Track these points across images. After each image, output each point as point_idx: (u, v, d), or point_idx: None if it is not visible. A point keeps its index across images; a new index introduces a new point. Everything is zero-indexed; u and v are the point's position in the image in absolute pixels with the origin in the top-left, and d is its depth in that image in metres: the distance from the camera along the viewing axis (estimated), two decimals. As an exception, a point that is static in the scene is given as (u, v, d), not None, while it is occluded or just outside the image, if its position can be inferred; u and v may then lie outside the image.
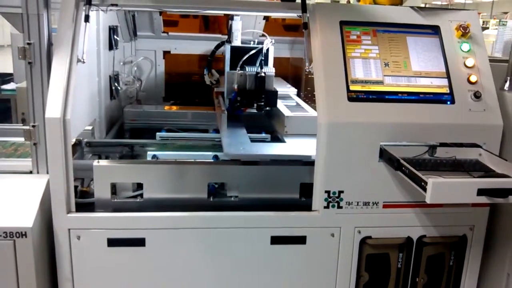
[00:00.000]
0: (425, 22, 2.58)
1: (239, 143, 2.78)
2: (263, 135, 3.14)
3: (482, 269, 2.69)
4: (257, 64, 3.09)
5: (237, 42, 3.33)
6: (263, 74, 3.02)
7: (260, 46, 3.16)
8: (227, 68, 3.22)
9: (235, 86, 3.07)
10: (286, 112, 3.02)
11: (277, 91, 3.09)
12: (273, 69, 3.12)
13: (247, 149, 2.68)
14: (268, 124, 3.33)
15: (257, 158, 2.62)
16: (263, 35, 3.55)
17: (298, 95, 3.79)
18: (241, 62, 3.09)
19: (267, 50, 3.20)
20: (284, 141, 2.89)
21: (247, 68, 3.08)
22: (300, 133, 2.90)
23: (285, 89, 3.73)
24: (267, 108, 3.12)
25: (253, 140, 2.87)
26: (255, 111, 3.15)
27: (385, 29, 2.56)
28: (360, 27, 2.53)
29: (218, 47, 3.56)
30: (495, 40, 10.72)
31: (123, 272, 2.43)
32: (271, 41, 3.22)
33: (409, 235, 2.56)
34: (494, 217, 2.64)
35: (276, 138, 3.08)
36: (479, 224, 2.59)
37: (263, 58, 3.12)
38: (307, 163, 2.54)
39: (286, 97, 3.55)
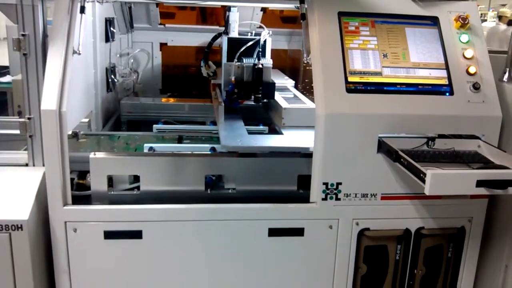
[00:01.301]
0: (424, 13, 2.56)
1: (237, 135, 2.76)
2: (261, 127, 3.13)
3: (480, 260, 2.69)
4: (255, 55, 3.05)
5: (234, 33, 3.29)
6: (260, 66, 2.98)
7: (257, 37, 3.12)
8: (224, 60, 3.17)
9: (232, 78, 3.02)
10: (283, 104, 3.00)
11: (274, 83, 3.06)
12: (271, 60, 3.07)
13: (244, 141, 2.67)
14: (266, 116, 3.32)
15: (255, 150, 2.60)
16: (260, 27, 3.52)
17: (296, 87, 3.77)
18: (238, 54, 3.04)
19: (265, 41, 3.16)
20: (281, 133, 2.88)
21: (244, 59, 3.04)
22: (298, 125, 2.89)
23: (282, 81, 3.71)
24: (265, 100, 3.09)
25: (250, 132, 2.85)
26: (252, 103, 3.13)
27: (384, 20, 2.54)
28: (358, 18, 2.51)
29: (215, 38, 3.52)
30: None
31: (120, 264, 2.42)
32: (269, 33, 3.18)
33: (407, 227, 2.55)
34: (492, 208, 2.63)
35: (274, 130, 3.07)
36: (477, 216, 2.59)
37: (260, 49, 3.08)
38: (305, 155, 2.53)
39: (283, 89, 3.53)
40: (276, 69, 3.98)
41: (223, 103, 3.15)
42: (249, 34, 3.31)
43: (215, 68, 3.63)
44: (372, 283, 2.62)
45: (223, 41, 3.22)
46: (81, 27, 2.39)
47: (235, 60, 3.03)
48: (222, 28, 3.58)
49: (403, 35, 2.53)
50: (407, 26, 2.55)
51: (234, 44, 3.12)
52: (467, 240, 2.62)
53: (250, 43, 3.07)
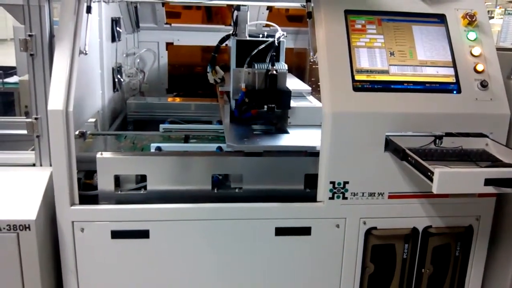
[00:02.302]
0: (430, 11, 2.55)
1: (243, 134, 2.74)
2: (267, 126, 3.10)
3: (488, 259, 2.68)
4: (268, 60, 2.74)
5: (244, 35, 2.96)
6: (274, 72, 2.68)
7: (270, 39, 2.80)
8: (233, 65, 2.86)
9: (243, 86, 2.72)
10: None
11: (290, 91, 2.77)
12: (286, 66, 2.78)
13: (250, 140, 2.65)
14: (272, 115, 3.28)
15: (261, 149, 2.59)
16: (267, 25, 3.34)
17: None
18: (249, 59, 2.75)
19: (279, 43, 2.81)
20: (287, 132, 2.86)
21: (256, 65, 2.74)
22: (304, 124, 2.86)
23: (297, 87, 3.40)
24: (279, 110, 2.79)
25: (256, 132, 2.83)
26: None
27: (390, 18, 2.53)
28: (364, 16, 2.50)
29: (222, 41, 3.16)
30: (501, 29, 10.61)
31: (127, 264, 2.42)
32: (284, 34, 2.83)
33: (415, 226, 2.54)
34: (500, 207, 2.61)
35: (280, 129, 3.05)
36: (485, 214, 2.57)
37: (274, 53, 2.76)
38: (312, 153, 2.52)
39: (299, 96, 3.26)
40: (290, 73, 3.62)
41: (230, 107, 2.95)
42: (261, 35, 2.97)
43: (223, 74, 3.31)
44: (379, 282, 2.61)
45: (232, 44, 2.90)
46: (87, 27, 2.40)
47: (245, 65, 2.74)
48: (228, 28, 3.47)
49: (410, 33, 2.52)
50: (413, 24, 2.53)
51: (244, 47, 2.82)
52: (475, 239, 2.61)
53: (263, 45, 2.76)
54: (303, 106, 2.97)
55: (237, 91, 2.79)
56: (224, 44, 3.18)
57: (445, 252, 2.62)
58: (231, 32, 3.05)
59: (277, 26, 2.93)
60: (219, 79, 3.30)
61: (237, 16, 2.99)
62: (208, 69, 3.26)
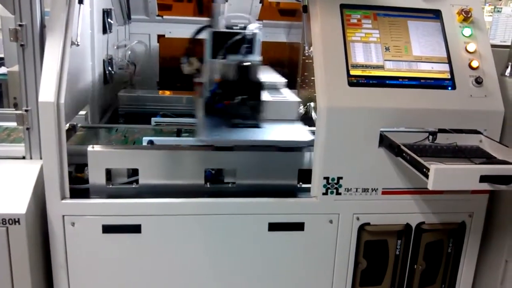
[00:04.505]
0: (426, 6, 2.54)
1: (215, 128, 2.68)
2: (241, 120, 3.00)
3: (480, 256, 2.68)
4: (241, 52, 2.74)
5: (220, 27, 2.92)
6: (246, 64, 2.68)
7: (243, 31, 2.79)
8: (208, 56, 2.84)
9: (217, 77, 2.72)
10: (263, 97, 2.90)
11: (261, 83, 2.74)
12: (259, 57, 2.79)
13: (223, 135, 2.59)
14: (245, 109, 3.19)
15: (233, 143, 2.53)
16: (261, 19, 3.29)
17: (294, 80, 3.65)
18: (222, 50, 2.74)
19: (253, 36, 2.81)
20: (260, 127, 2.79)
21: (230, 56, 2.73)
22: (278, 118, 2.80)
23: (272, 79, 3.36)
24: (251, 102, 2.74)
25: (230, 126, 2.76)
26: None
27: (386, 12, 2.51)
28: (360, 10, 2.48)
29: (198, 32, 2.99)
30: (490, 27, 10.66)
31: (118, 259, 2.40)
32: (259, 26, 2.84)
33: (408, 222, 2.54)
34: (493, 204, 2.62)
35: (253, 124, 2.96)
36: (478, 211, 2.58)
37: (247, 45, 2.77)
38: (302, 148, 2.50)
39: (273, 88, 3.21)
40: (267, 65, 3.67)
41: (203, 100, 2.86)
42: (235, 27, 2.91)
43: (199, 65, 3.15)
44: (372, 278, 2.61)
45: (208, 35, 2.86)
46: (79, 18, 2.36)
47: (220, 57, 2.75)
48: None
49: (405, 28, 2.51)
50: (409, 19, 2.53)
51: (221, 38, 2.80)
52: (468, 235, 2.62)
53: (237, 37, 2.76)
54: (276, 100, 2.90)
55: (211, 82, 2.78)
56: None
57: (437, 248, 2.63)
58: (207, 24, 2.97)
59: (252, 18, 2.92)
60: (196, 70, 3.17)
61: (215, 6, 2.95)
62: (184, 60, 3.15)
